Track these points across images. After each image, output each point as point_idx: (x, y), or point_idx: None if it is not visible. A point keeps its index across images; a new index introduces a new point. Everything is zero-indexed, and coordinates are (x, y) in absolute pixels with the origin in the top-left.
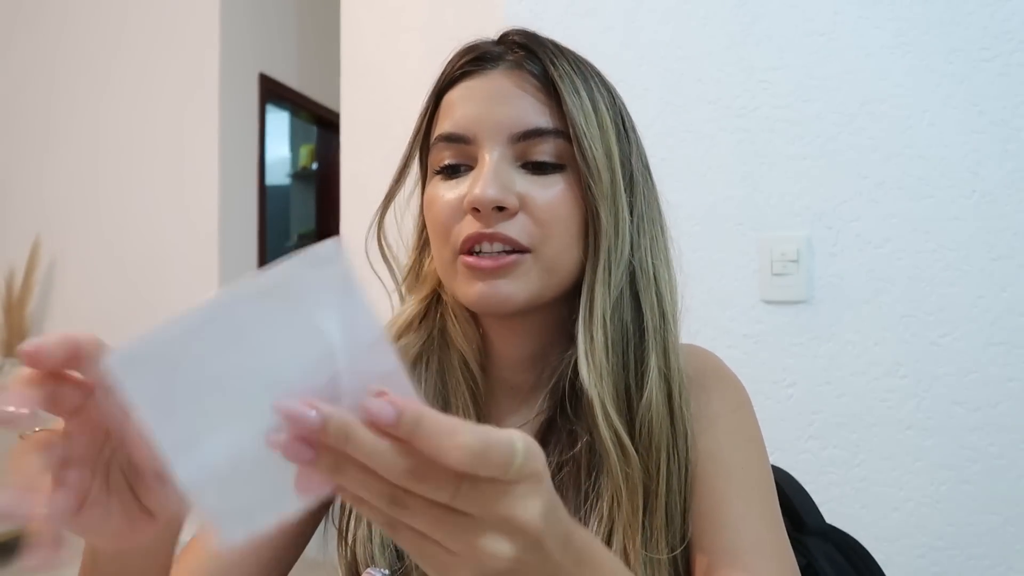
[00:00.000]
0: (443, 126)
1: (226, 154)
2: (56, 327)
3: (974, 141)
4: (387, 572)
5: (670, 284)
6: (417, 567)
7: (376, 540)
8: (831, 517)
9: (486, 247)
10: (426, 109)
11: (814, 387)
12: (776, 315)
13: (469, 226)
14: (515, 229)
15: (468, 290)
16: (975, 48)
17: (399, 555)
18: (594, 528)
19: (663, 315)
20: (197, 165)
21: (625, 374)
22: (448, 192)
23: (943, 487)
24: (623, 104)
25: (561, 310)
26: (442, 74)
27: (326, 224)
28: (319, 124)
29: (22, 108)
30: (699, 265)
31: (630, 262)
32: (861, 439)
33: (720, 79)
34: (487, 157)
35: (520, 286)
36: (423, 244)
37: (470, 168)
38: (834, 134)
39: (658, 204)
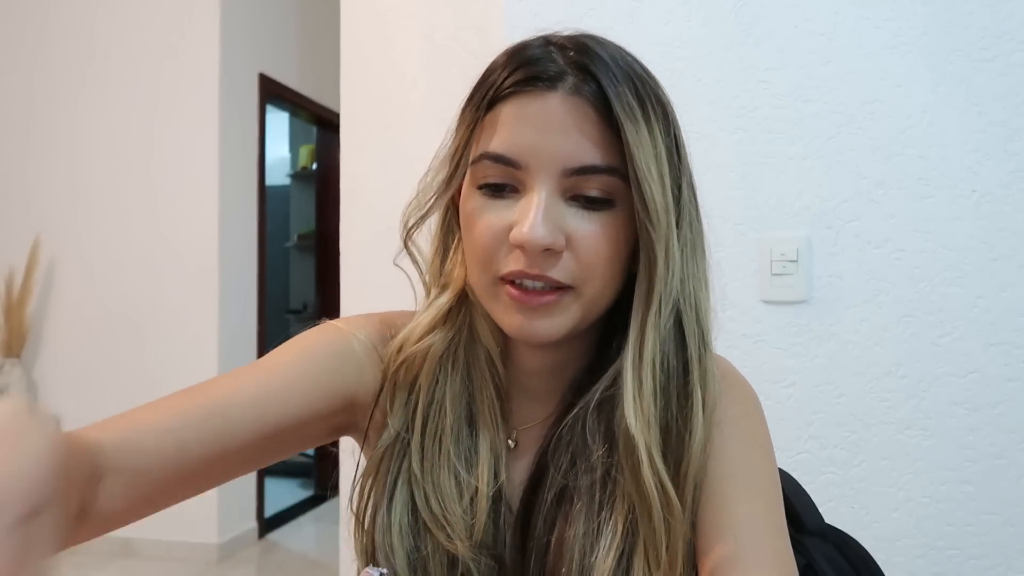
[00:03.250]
0: (492, 144)
1: (226, 154)
2: (56, 327)
3: (974, 141)
4: (384, 571)
5: (708, 306)
6: (435, 557)
7: (395, 530)
8: (831, 517)
9: (528, 283)
10: (474, 120)
11: (814, 387)
12: (776, 315)
13: (514, 261)
14: (560, 270)
15: (509, 320)
16: (975, 48)
17: (417, 546)
18: (607, 541)
19: (704, 342)
20: (197, 165)
21: (667, 414)
22: (490, 213)
23: (943, 487)
24: (675, 118)
25: (588, 329)
26: (490, 81)
27: (326, 224)
28: (319, 124)
29: (22, 109)
30: None
31: (679, 298)
32: (861, 439)
33: (720, 79)
34: (537, 194)
35: (559, 322)
36: (447, 231)
37: (515, 190)
38: (833, 134)
39: (700, 224)
